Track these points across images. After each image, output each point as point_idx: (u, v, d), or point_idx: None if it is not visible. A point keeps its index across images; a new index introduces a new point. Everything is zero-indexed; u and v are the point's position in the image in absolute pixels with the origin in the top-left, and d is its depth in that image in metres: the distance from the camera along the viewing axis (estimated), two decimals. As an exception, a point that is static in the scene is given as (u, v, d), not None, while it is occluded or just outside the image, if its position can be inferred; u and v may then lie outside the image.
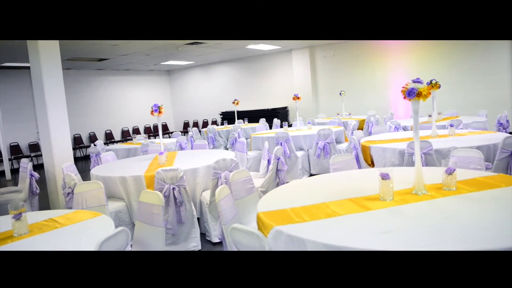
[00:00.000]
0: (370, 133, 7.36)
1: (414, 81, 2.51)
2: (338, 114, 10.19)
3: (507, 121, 6.51)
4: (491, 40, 10.19)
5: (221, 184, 3.55)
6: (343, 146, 6.77)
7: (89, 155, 8.15)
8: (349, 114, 10.12)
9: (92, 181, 3.53)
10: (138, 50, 11.11)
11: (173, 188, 3.92)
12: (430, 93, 2.50)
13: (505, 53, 10.18)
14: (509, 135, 4.25)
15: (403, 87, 2.53)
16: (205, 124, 16.33)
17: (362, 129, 8.51)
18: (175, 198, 3.92)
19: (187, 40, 10.06)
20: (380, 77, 11.92)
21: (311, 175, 6.55)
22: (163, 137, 13.70)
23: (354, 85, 12.36)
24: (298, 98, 7.95)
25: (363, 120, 8.90)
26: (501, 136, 4.44)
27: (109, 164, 5.39)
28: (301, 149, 6.74)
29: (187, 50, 11.80)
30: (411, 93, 2.47)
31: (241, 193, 3.35)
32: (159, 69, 16.52)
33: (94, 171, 4.71)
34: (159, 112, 5.03)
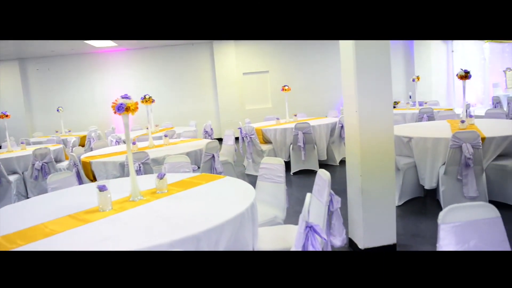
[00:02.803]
0: (91, 149, 7.29)
1: (122, 97, 2.72)
2: (56, 132, 9.64)
3: (211, 129, 7.61)
4: (196, 60, 11.64)
5: None
6: (64, 164, 6.49)
7: None
8: (69, 131, 9.71)
9: None
10: None
11: None
12: (137, 108, 2.76)
13: (207, 72, 11.80)
14: (211, 140, 5.02)
15: (113, 103, 2.70)
16: None
17: (84, 146, 8.33)
18: None
19: None
20: (100, 92, 11.89)
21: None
22: None
23: (73, 100, 11.91)
24: (6, 116, 7.13)
25: (85, 136, 8.72)
26: (205, 142, 5.19)
27: None
28: (14, 173, 6.10)
29: None
30: (120, 108, 2.67)
31: None
32: None
33: None
34: None
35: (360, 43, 3.16)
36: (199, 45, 11.71)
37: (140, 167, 4.37)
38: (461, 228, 1.79)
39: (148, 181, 3.20)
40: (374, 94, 3.18)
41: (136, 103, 2.73)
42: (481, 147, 4.15)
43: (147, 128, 7.66)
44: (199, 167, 4.80)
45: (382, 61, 3.20)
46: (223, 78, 11.66)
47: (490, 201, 4.30)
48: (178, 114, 11.57)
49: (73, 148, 5.64)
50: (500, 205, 4.27)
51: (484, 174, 4.28)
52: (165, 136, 5.73)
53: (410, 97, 10.05)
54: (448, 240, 1.79)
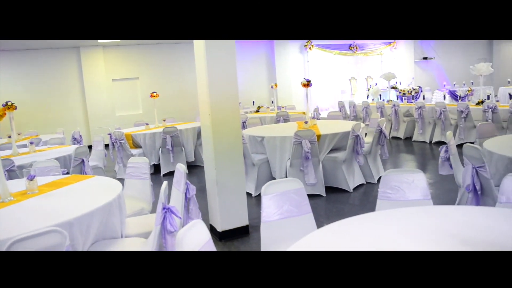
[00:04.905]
0: None
1: (-11, 104, 2.90)
2: None
3: (80, 136, 7.62)
4: (62, 65, 11.28)
5: None
6: None
7: None
8: None
9: None
10: None
11: None
12: (5, 114, 2.96)
13: (74, 78, 11.50)
14: (80, 146, 5.18)
15: (-21, 110, 2.87)
16: None
17: None
18: None
19: None
20: None
21: None
22: None
23: None
24: None
25: None
26: (74, 147, 5.32)
27: None
28: None
29: None
30: (-13, 115, 2.85)
31: None
32: None
33: None
34: None
35: (211, 53, 3.75)
36: (65, 50, 11.37)
37: (5, 174, 4.38)
38: (277, 197, 2.44)
39: (17, 185, 3.37)
40: (223, 100, 3.81)
41: (4, 109, 2.94)
42: (316, 143, 5.06)
43: (9, 137, 7.37)
44: (68, 172, 4.94)
45: (230, 71, 3.84)
46: (92, 85, 11.48)
47: (326, 187, 5.28)
48: (44, 122, 11.06)
49: None
50: (333, 189, 5.29)
51: (320, 165, 5.22)
52: (31, 143, 5.69)
53: (273, 102, 11.12)
54: (269, 207, 2.43)
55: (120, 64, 11.91)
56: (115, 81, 11.86)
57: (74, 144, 7.45)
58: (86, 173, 5.03)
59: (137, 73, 12.10)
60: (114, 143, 6.92)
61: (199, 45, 3.85)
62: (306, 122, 6.03)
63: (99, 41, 10.51)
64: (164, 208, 2.55)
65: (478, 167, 3.14)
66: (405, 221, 2.02)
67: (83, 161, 5.03)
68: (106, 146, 6.89)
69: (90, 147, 6.52)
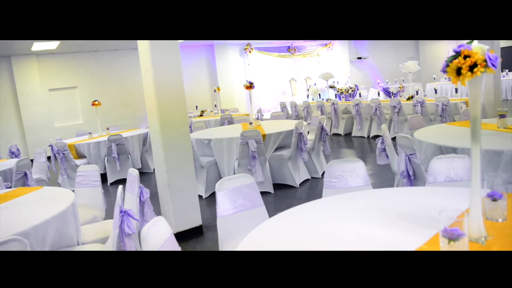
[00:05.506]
0: None
1: None
2: None
3: (18, 149, 7.32)
4: (-10, 77, 10.70)
5: None
6: None
7: None
8: None
9: None
10: None
11: None
12: None
13: (6, 89, 10.97)
14: (19, 159, 5.03)
15: None
16: None
17: None
18: None
19: None
20: None
21: None
22: None
23: None
24: None
25: None
26: (13, 161, 5.16)
27: None
28: None
29: None
30: None
31: None
32: None
33: None
34: None
35: (156, 55, 3.82)
36: (-7, 61, 10.83)
37: None
38: (231, 192, 2.57)
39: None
40: (171, 104, 3.89)
41: None
42: (262, 142, 5.25)
43: None
44: (11, 187, 4.78)
45: (175, 73, 3.95)
46: (27, 95, 10.99)
47: (274, 184, 5.47)
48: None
49: None
50: (281, 185, 5.50)
51: (267, 163, 5.41)
52: (-34, 159, 5.42)
53: (216, 105, 11.22)
54: (223, 202, 2.55)
55: (56, 73, 11.51)
56: (52, 91, 11.45)
57: (11, 158, 7.15)
58: (29, 186, 4.89)
59: (75, 82, 11.75)
60: (57, 155, 6.72)
61: (144, 48, 3.90)
62: (251, 123, 6.21)
63: (32, 49, 10.11)
64: (121, 212, 2.61)
65: (410, 154, 3.46)
66: (349, 204, 2.23)
67: (25, 174, 4.89)
68: (48, 158, 6.69)
69: (31, 160, 6.30)
